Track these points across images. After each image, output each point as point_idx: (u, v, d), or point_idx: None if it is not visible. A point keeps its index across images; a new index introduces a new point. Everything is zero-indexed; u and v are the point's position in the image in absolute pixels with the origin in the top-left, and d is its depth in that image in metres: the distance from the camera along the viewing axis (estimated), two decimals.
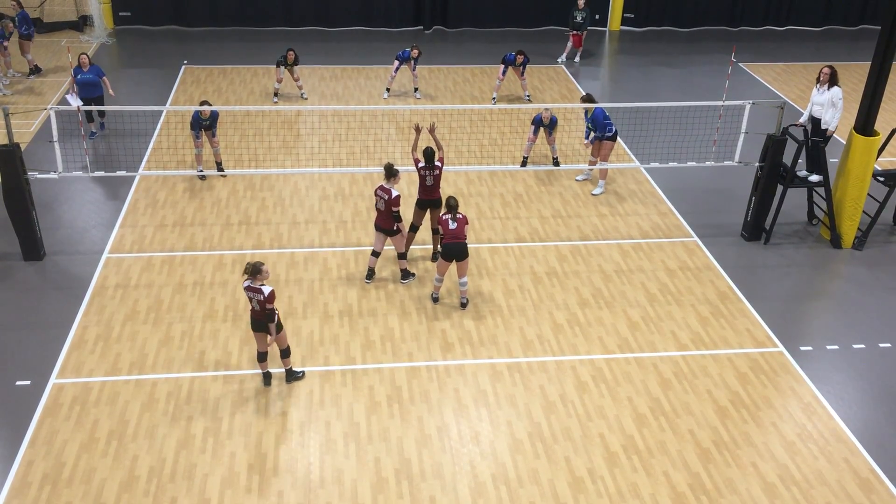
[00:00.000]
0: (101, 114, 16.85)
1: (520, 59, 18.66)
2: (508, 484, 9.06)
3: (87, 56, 16.11)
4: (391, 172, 11.76)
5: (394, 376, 10.57)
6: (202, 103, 14.56)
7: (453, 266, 11.74)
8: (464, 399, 10.24)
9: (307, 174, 15.51)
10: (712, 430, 9.88)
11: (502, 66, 18.82)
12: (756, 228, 13.82)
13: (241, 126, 17.35)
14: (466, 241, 11.54)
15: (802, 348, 11.38)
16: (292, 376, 10.36)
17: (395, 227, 11.98)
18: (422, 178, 12.26)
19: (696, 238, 13.93)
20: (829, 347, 11.42)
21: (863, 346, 11.48)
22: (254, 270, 9.61)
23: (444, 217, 11.45)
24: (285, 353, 10.22)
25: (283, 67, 18.58)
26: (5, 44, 19.20)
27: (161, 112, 17.80)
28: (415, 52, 18.95)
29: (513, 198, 14.94)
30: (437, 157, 12.21)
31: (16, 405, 9.94)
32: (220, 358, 10.80)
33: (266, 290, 9.61)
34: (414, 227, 12.69)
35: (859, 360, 11.21)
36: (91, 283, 12.24)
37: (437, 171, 12.21)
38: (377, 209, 11.99)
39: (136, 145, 16.04)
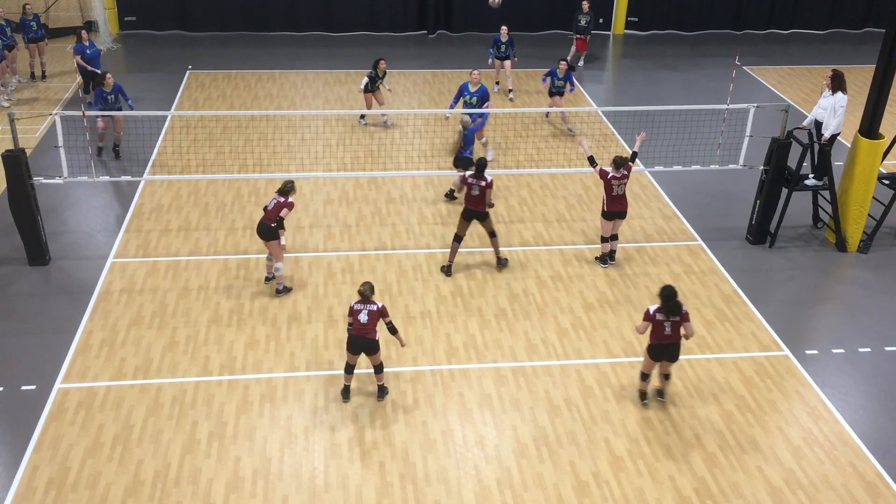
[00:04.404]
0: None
1: (563, 66, 17.46)
2: (513, 488, 9.05)
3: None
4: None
5: (398, 380, 10.56)
6: (104, 74, 15.34)
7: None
8: (468, 403, 10.23)
9: (311, 178, 15.53)
10: (718, 434, 9.86)
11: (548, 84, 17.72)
12: (761, 232, 13.80)
13: (245, 131, 17.37)
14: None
15: (808, 352, 11.35)
16: (383, 393, 10.28)
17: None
18: (469, 188, 12.29)
19: (700, 242, 13.91)
20: (834, 351, 11.39)
21: (868, 349, 11.45)
22: (371, 289, 9.77)
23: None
24: (380, 369, 10.15)
25: (368, 85, 17.15)
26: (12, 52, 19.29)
27: (166, 117, 17.83)
28: (504, 32, 18.69)
29: (517, 202, 14.94)
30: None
31: (21, 410, 9.95)
32: (224, 362, 10.80)
33: (380, 303, 9.81)
34: (457, 238, 12.63)
35: (865, 363, 11.18)
36: (96, 287, 12.27)
37: (484, 183, 12.19)
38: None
39: (141, 150, 16.07)
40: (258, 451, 9.42)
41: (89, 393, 10.23)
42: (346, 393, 10.19)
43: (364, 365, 10.38)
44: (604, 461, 9.42)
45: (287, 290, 12.16)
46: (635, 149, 12.90)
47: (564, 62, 17.51)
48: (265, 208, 11.75)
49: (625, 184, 12.51)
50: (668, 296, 9.72)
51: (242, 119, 17.80)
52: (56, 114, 12.91)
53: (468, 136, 14.18)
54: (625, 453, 9.54)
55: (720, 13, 25.52)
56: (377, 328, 9.83)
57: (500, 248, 12.95)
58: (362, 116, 17.94)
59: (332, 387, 10.37)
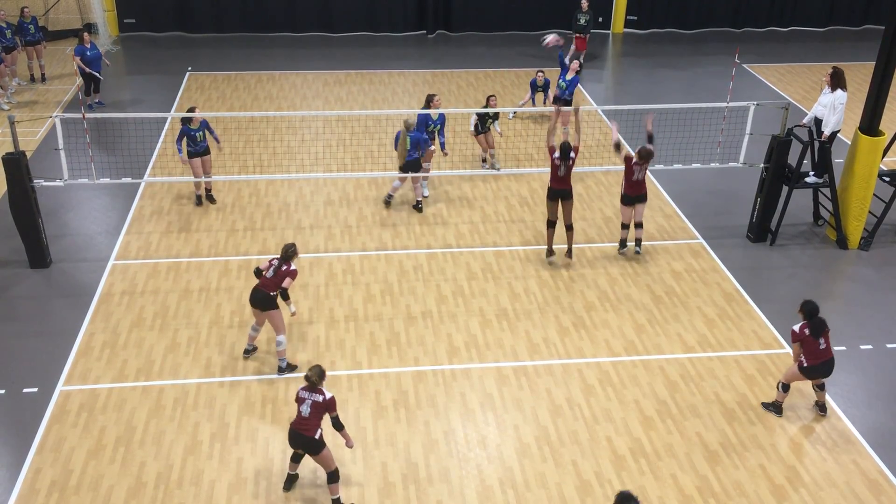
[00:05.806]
0: (98, 89, 18.77)
1: (574, 66, 16.56)
2: (515, 488, 9.05)
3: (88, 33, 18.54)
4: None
5: (400, 381, 10.56)
6: (192, 109, 14.20)
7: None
8: (470, 403, 10.23)
9: (312, 179, 15.54)
10: (720, 432, 9.86)
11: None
12: (762, 230, 13.80)
13: (245, 132, 17.38)
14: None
15: None
16: None
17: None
18: (555, 168, 12.40)
19: (701, 240, 13.91)
20: (836, 348, 11.36)
21: (870, 346, 11.45)
22: (320, 375, 8.38)
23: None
24: (332, 478, 8.62)
25: (479, 126, 15.38)
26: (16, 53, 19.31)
27: (166, 119, 17.82)
28: (540, 78, 17.99)
29: (517, 201, 14.94)
30: (572, 149, 12.31)
31: (23, 412, 9.96)
32: (226, 364, 10.81)
33: (328, 394, 8.42)
34: (550, 223, 12.79)
35: (867, 360, 11.18)
36: (97, 290, 12.27)
37: (571, 162, 12.32)
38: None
39: (141, 152, 16.07)
40: (260, 452, 9.42)
41: (91, 395, 10.23)
42: (288, 483, 8.91)
43: (347, 366, 10.31)
44: (606, 460, 9.42)
45: (292, 367, 10.60)
46: (649, 129, 13.00)
47: (577, 61, 16.82)
48: (259, 270, 10.34)
49: (645, 168, 12.68)
50: (813, 310, 9.32)
51: (242, 120, 17.80)
52: (56, 116, 12.91)
53: (415, 139, 13.77)
54: (627, 452, 9.54)
55: (720, 11, 25.50)
56: (320, 424, 8.42)
57: (502, 248, 12.93)
58: (484, 160, 16.01)
59: (334, 387, 10.37)
